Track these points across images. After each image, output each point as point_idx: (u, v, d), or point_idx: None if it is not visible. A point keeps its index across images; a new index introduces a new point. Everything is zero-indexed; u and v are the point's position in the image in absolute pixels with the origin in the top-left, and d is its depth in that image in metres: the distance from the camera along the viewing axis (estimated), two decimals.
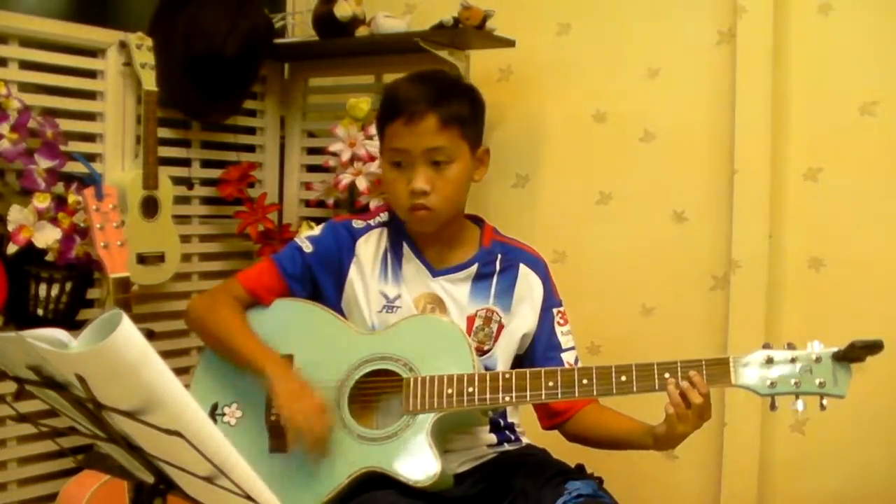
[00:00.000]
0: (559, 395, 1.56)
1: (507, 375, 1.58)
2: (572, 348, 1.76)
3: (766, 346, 1.50)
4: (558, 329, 1.75)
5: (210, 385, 1.71)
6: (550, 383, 1.55)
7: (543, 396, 1.56)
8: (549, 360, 1.72)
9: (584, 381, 1.54)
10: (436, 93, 1.66)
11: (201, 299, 1.82)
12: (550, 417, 1.75)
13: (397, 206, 1.71)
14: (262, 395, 1.67)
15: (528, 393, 1.56)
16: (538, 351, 1.74)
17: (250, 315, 1.75)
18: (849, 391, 1.46)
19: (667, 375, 1.51)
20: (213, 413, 1.68)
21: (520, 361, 1.75)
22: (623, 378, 1.52)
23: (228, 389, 1.70)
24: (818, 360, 1.46)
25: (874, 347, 1.40)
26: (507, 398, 1.57)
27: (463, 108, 1.68)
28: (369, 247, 1.76)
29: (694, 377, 1.48)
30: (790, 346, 1.49)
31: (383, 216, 1.80)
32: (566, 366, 1.72)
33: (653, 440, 1.56)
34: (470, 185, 1.74)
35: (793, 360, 1.47)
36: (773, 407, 1.49)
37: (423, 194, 1.65)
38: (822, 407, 1.46)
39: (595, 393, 1.55)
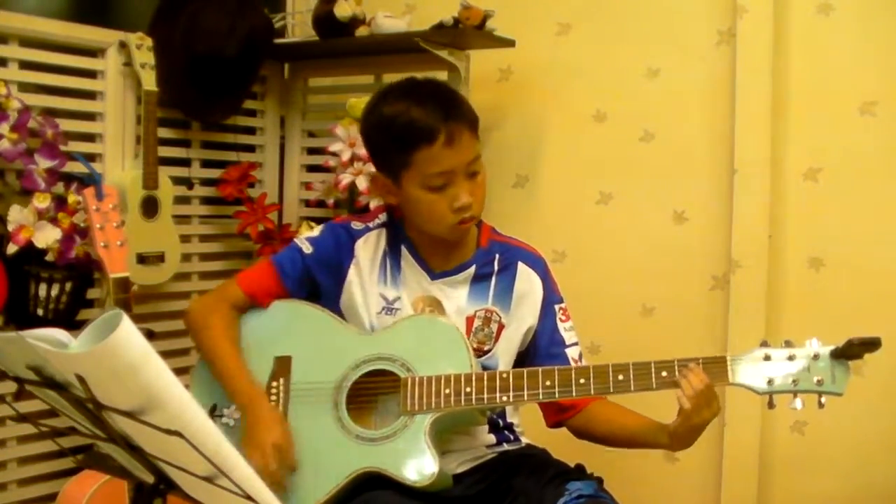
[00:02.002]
0: (556, 395, 1.56)
1: (505, 375, 1.58)
2: (576, 344, 1.76)
3: (764, 344, 1.50)
4: (561, 325, 1.75)
5: (209, 386, 1.71)
6: (548, 382, 1.55)
7: (541, 396, 1.56)
8: (554, 357, 1.72)
9: (582, 381, 1.54)
10: (454, 105, 1.63)
11: (199, 306, 1.80)
12: (558, 413, 1.74)
13: (440, 225, 1.66)
14: None
15: (525, 392, 1.56)
16: (541, 347, 1.74)
17: (248, 316, 1.75)
18: (847, 389, 1.46)
19: (664, 374, 1.51)
20: (213, 414, 1.68)
21: (523, 358, 1.75)
22: (620, 377, 1.53)
23: None
24: (816, 357, 1.46)
25: (872, 345, 1.40)
26: (505, 398, 1.57)
27: (472, 112, 1.67)
28: (368, 248, 1.75)
29: (692, 367, 1.49)
30: (788, 344, 1.49)
31: (382, 217, 1.80)
32: (571, 361, 1.72)
33: (668, 438, 1.55)
34: None
35: (791, 358, 1.47)
36: (770, 405, 1.48)
37: (469, 207, 1.64)
38: (821, 405, 1.46)
39: (592, 392, 1.55)
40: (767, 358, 1.48)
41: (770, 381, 1.47)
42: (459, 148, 1.60)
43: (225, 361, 1.68)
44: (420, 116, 1.59)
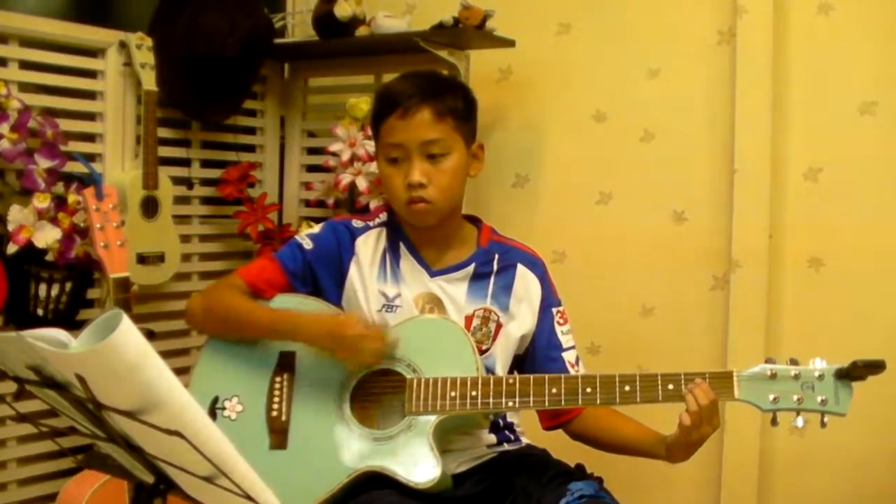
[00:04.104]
0: (562, 402, 1.56)
1: (511, 380, 1.57)
2: (572, 347, 1.76)
3: (769, 361, 1.50)
4: (558, 328, 1.75)
5: (211, 379, 1.70)
6: (554, 390, 1.55)
7: (547, 403, 1.56)
8: (550, 360, 1.72)
9: (588, 390, 1.54)
10: (428, 87, 1.68)
11: (202, 294, 1.81)
12: (553, 417, 1.75)
13: (396, 201, 1.71)
14: (265, 391, 1.67)
15: (531, 399, 1.56)
16: (539, 350, 1.74)
17: None
18: (850, 409, 1.46)
19: (670, 387, 1.51)
20: (214, 407, 1.67)
21: (520, 361, 1.76)
22: (627, 388, 1.53)
23: (229, 383, 1.69)
24: (821, 377, 1.47)
25: (876, 367, 1.41)
26: (510, 403, 1.57)
27: (456, 102, 1.69)
28: (368, 246, 1.76)
29: (699, 383, 1.49)
30: (793, 362, 1.49)
31: (383, 216, 1.81)
32: (567, 365, 1.72)
33: (665, 450, 1.56)
34: (466, 179, 1.74)
35: (795, 377, 1.48)
36: (774, 422, 1.49)
37: (420, 187, 1.65)
38: (823, 424, 1.47)
39: (598, 402, 1.55)
40: (773, 375, 1.48)
41: (775, 399, 1.47)
42: (412, 124, 1.65)
43: (253, 308, 1.70)
44: (391, 90, 1.70)
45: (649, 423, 1.66)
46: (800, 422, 1.47)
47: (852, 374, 1.44)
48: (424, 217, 1.70)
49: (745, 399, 1.49)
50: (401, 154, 1.67)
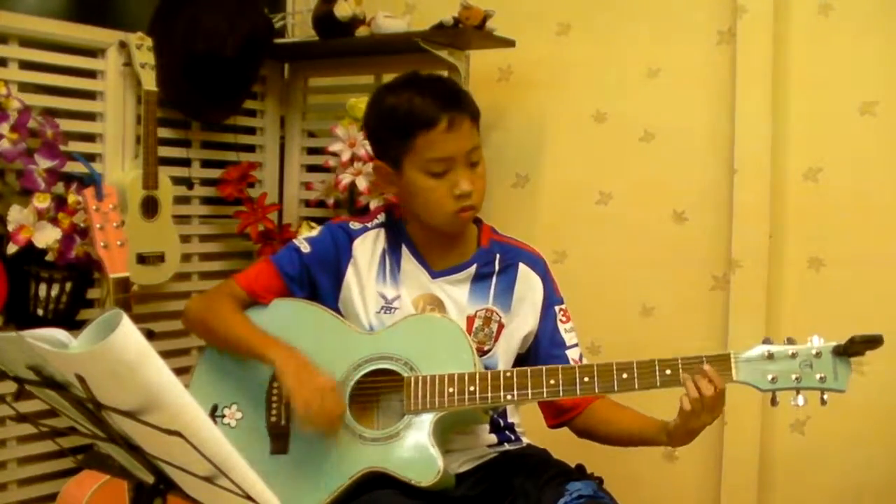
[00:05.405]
0: (560, 393, 1.56)
1: (508, 374, 1.58)
2: (576, 345, 1.76)
3: (767, 341, 1.50)
4: (561, 326, 1.75)
5: (209, 386, 1.71)
6: (552, 381, 1.55)
7: (545, 394, 1.56)
8: (554, 358, 1.72)
9: (586, 379, 1.54)
10: (454, 94, 1.67)
11: (198, 300, 1.82)
12: (558, 415, 1.75)
13: (439, 212, 1.66)
14: (263, 397, 1.67)
15: (529, 391, 1.56)
16: (542, 349, 1.74)
17: (249, 314, 1.74)
18: (849, 385, 1.46)
19: (668, 372, 1.51)
20: (213, 415, 1.67)
21: (523, 361, 1.75)
22: (624, 375, 1.53)
23: (228, 391, 1.70)
24: (818, 354, 1.47)
25: (874, 342, 1.41)
26: (509, 396, 1.57)
27: (475, 105, 1.69)
28: (366, 248, 1.75)
29: (709, 371, 1.48)
30: (790, 341, 1.49)
31: (381, 217, 1.80)
32: (571, 362, 1.72)
33: (667, 436, 1.57)
34: None
35: (793, 356, 1.48)
36: (773, 402, 1.49)
37: (469, 195, 1.65)
38: (823, 402, 1.47)
39: (597, 390, 1.55)
40: (770, 355, 1.48)
41: (773, 379, 1.47)
42: (460, 135, 1.62)
43: (240, 330, 1.68)
44: (421, 104, 1.62)
45: (653, 409, 1.65)
46: (800, 400, 1.47)
47: (850, 350, 1.44)
48: (466, 224, 1.71)
49: (744, 380, 1.49)
50: (445, 167, 1.64)
